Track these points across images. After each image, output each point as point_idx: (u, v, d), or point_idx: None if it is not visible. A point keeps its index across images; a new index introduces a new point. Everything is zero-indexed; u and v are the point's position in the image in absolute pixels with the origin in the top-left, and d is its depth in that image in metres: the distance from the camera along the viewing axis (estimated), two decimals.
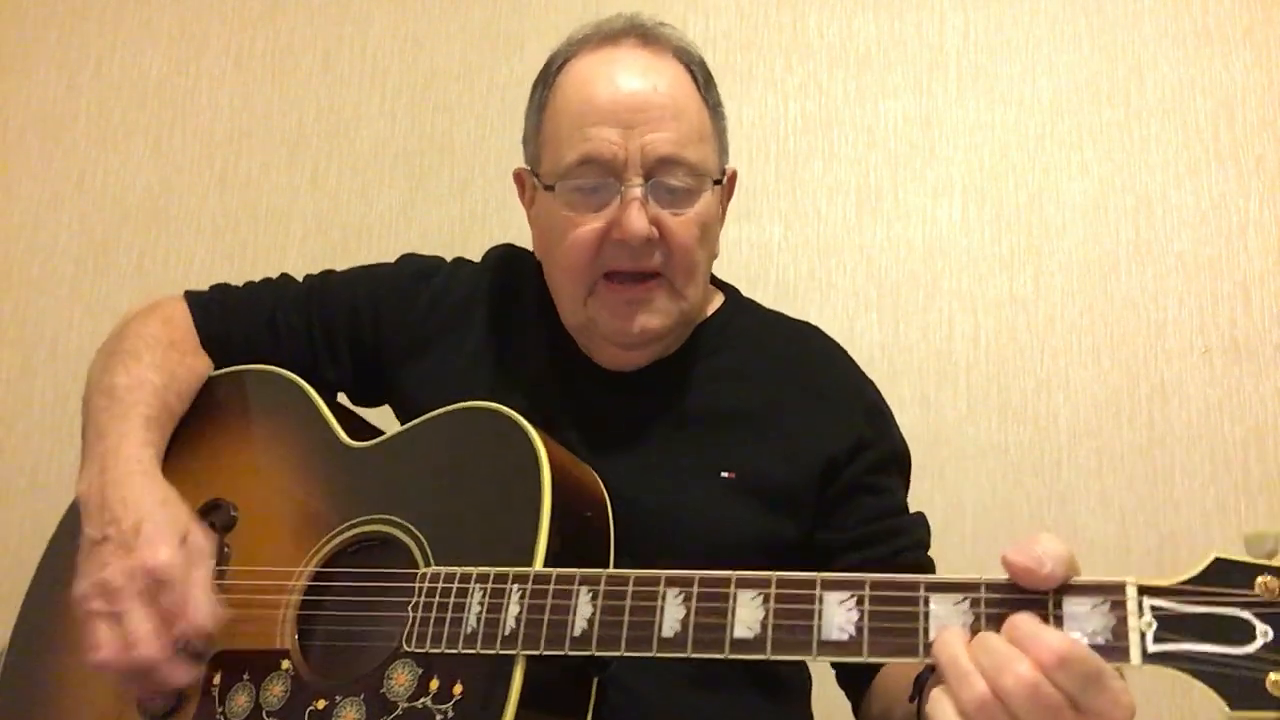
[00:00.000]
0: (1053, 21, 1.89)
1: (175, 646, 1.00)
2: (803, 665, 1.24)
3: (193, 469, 1.19)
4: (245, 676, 1.03)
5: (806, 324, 1.33)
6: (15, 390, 2.02)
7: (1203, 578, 0.72)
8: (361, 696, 0.96)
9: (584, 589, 0.90)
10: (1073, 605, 0.74)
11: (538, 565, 0.94)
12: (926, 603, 0.78)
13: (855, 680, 1.17)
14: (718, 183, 1.20)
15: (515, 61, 2.01)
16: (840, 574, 0.82)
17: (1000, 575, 0.77)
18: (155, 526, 1.03)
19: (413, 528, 1.03)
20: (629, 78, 1.15)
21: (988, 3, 1.91)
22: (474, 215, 1.98)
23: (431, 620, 0.95)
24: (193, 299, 1.34)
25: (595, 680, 0.97)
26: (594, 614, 0.89)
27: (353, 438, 1.16)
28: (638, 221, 1.11)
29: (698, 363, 1.24)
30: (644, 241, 1.13)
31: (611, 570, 0.91)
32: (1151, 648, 0.71)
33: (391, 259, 1.39)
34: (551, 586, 0.92)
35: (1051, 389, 1.76)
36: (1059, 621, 0.74)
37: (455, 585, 0.96)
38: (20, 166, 2.11)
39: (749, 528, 1.14)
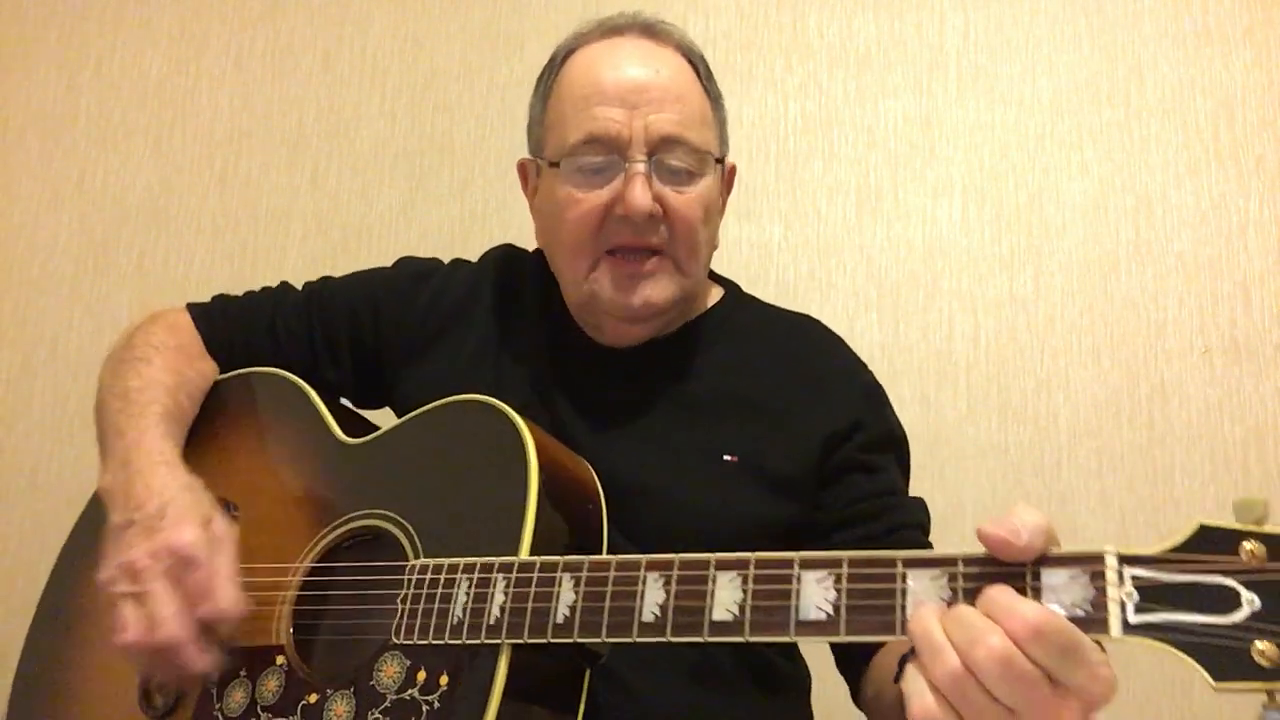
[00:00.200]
0: (1053, 21, 1.88)
1: (199, 629, 0.99)
2: (801, 661, 1.24)
3: (196, 470, 1.18)
4: (242, 673, 1.03)
5: (805, 316, 1.33)
6: (15, 390, 2.02)
7: (1186, 546, 0.69)
8: (352, 690, 0.96)
9: (567, 576, 0.90)
10: (1051, 576, 0.71)
11: (524, 554, 0.94)
12: (904, 579, 0.76)
13: (852, 664, 1.16)
14: (719, 161, 1.21)
15: (515, 61, 2.01)
16: (818, 553, 0.81)
17: (980, 549, 0.74)
18: (179, 509, 1.04)
19: (403, 520, 1.03)
20: (633, 63, 1.17)
21: (988, 3, 1.91)
22: (474, 215, 1.98)
23: (420, 612, 0.95)
24: (194, 309, 1.36)
25: (587, 674, 0.96)
26: (576, 601, 0.88)
27: (350, 435, 1.16)
28: (641, 196, 1.12)
29: (699, 353, 1.25)
30: (647, 217, 1.13)
31: (594, 557, 0.91)
32: (1132, 618, 0.68)
33: (391, 259, 1.39)
34: (535, 575, 0.91)
35: (1051, 389, 1.76)
36: (1037, 594, 0.71)
37: (443, 577, 0.96)
38: (20, 166, 2.11)
39: (751, 511, 1.14)
